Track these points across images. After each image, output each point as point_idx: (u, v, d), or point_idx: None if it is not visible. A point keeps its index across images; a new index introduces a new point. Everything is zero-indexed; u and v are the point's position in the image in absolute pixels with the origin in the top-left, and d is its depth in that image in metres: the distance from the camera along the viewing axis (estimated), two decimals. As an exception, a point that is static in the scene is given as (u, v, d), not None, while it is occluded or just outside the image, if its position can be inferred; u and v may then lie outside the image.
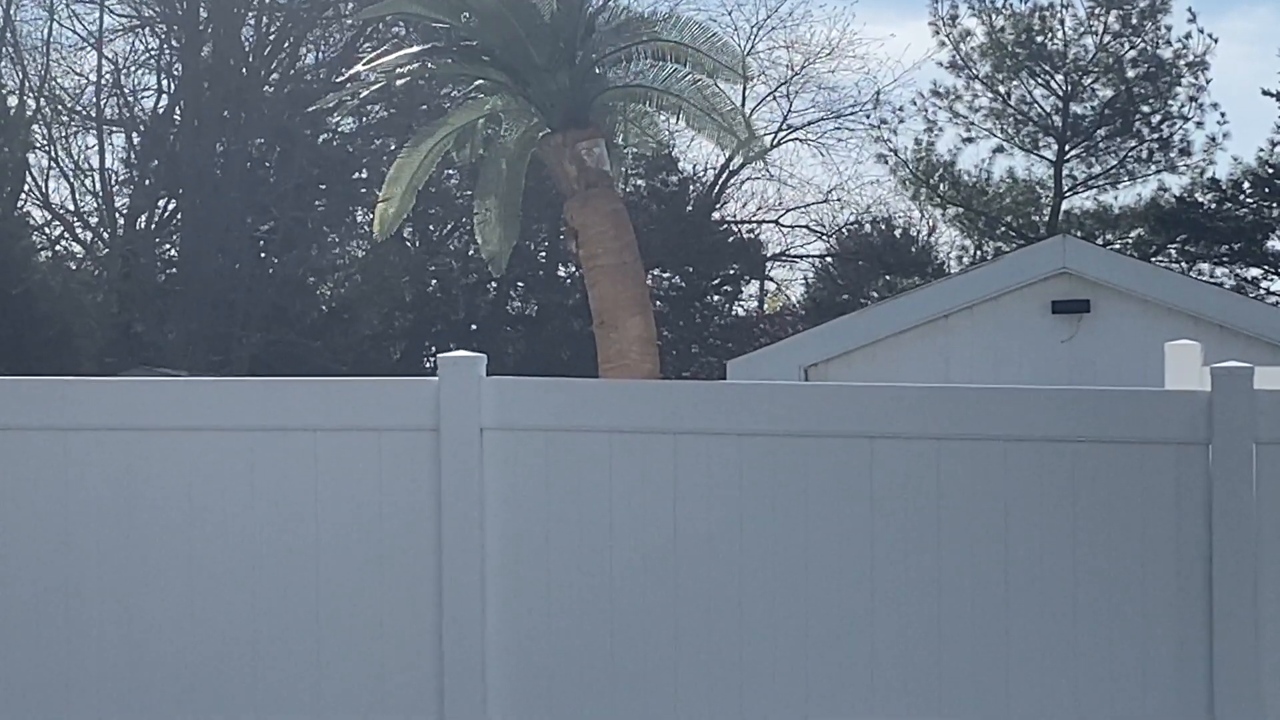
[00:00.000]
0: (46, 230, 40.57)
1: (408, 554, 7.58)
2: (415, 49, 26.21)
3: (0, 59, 38.84)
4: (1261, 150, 43.80)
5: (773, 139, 44.84)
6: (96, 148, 39.82)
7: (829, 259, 46.27)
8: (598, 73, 24.73)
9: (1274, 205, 43.53)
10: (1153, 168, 44.88)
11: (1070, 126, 44.92)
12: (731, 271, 44.91)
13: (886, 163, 45.64)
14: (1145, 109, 44.81)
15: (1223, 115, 44.35)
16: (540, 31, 23.92)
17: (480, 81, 25.32)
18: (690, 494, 7.51)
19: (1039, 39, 44.74)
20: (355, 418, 7.62)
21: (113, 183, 40.16)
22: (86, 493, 7.68)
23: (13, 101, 38.71)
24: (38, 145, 39.44)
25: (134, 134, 40.39)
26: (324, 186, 40.93)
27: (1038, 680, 7.39)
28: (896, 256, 44.89)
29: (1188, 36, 44.41)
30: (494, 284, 41.25)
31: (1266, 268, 43.78)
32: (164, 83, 40.67)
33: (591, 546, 7.55)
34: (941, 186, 45.81)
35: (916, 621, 7.43)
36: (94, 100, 39.73)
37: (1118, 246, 43.06)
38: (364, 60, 28.79)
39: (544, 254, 42.99)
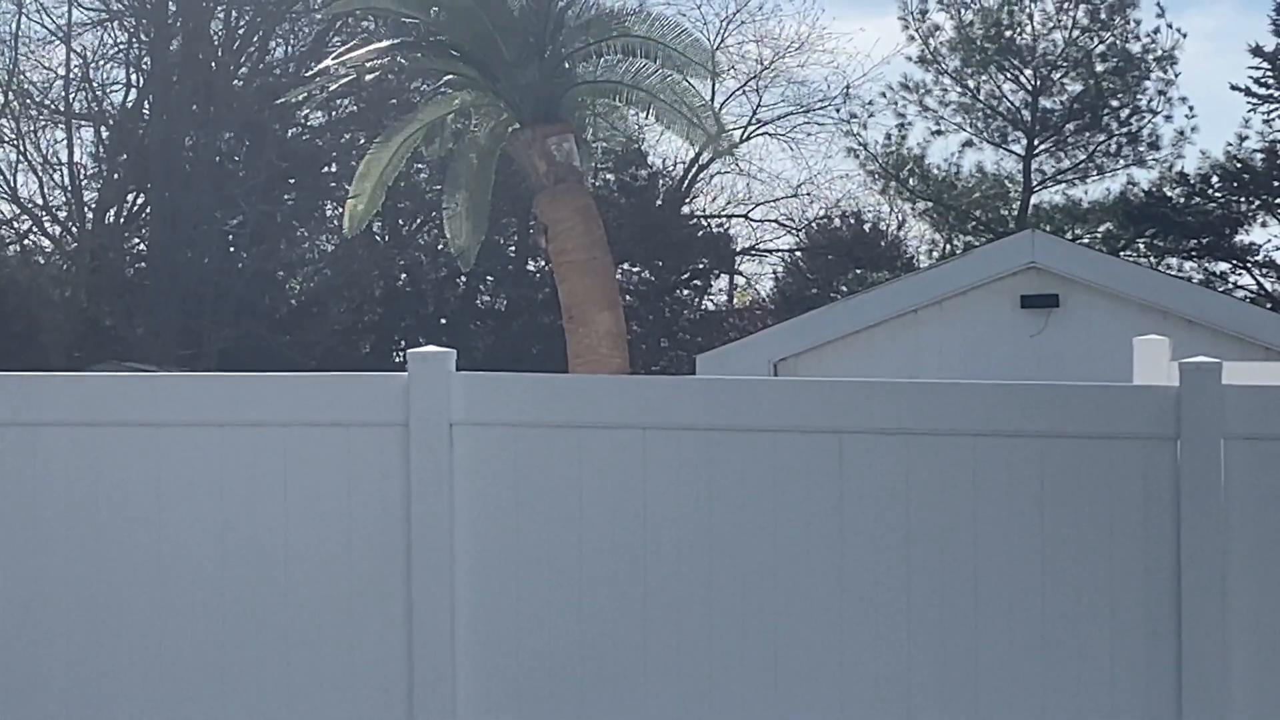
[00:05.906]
0: (15, 224, 40.40)
1: (377, 549, 7.57)
2: (384, 43, 26.09)
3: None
4: (1229, 144, 43.91)
5: (742, 133, 44.92)
6: (65, 142, 39.68)
7: (798, 253, 46.31)
8: (567, 68, 24.68)
9: (1242, 199, 43.62)
10: (1121, 162, 44.98)
11: (1039, 121, 44.98)
12: (701, 266, 44.91)
13: (856, 157, 45.75)
14: (1114, 103, 44.87)
15: (1191, 109, 44.48)
16: (509, 26, 23.88)
17: (449, 76, 25.26)
18: (659, 489, 7.51)
19: (1008, 33, 44.79)
20: (325, 413, 7.61)
21: (81, 177, 40.01)
22: (54, 489, 7.65)
23: (-20, 96, 38.58)
24: (6, 139, 39.27)
25: (103, 128, 40.25)
26: (293, 180, 40.83)
27: (1006, 675, 7.40)
28: (866, 251, 44.91)
29: (1156, 31, 44.52)
30: (463, 278, 41.16)
31: (1235, 262, 43.86)
32: (133, 77, 40.58)
33: (561, 541, 7.54)
34: (911, 181, 45.86)
35: (886, 618, 7.43)
36: (63, 94, 39.56)
37: (1086, 241, 43.13)
38: (333, 54, 28.66)
39: (514, 249, 42.94)
